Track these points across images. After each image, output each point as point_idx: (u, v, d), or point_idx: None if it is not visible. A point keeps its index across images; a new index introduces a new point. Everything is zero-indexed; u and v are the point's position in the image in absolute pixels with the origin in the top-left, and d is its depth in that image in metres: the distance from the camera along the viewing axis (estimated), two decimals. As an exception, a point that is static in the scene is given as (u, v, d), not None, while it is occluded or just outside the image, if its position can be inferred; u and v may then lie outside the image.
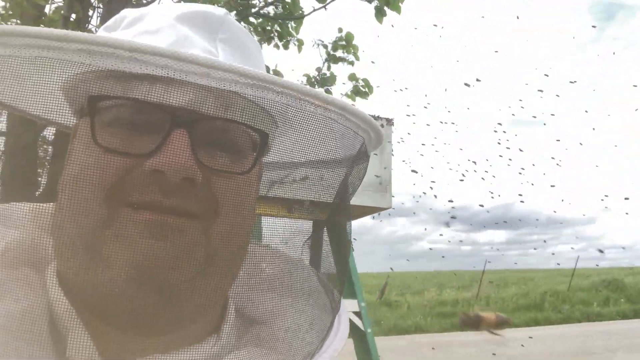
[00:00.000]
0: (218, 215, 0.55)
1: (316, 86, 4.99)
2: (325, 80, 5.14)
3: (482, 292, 20.07)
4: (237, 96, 0.53)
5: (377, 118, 3.35)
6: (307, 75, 5.28)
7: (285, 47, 5.43)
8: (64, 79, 0.51)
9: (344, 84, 4.97)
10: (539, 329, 15.28)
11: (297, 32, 5.37)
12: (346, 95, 4.89)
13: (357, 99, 5.06)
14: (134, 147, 0.52)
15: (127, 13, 0.63)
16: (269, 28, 5.25)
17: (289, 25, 5.29)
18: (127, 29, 0.61)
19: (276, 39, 5.25)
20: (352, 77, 5.05)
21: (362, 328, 3.01)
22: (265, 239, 0.69)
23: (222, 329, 0.61)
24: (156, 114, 0.52)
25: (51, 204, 0.56)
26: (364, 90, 4.95)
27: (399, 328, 15.76)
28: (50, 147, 0.66)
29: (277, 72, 4.86)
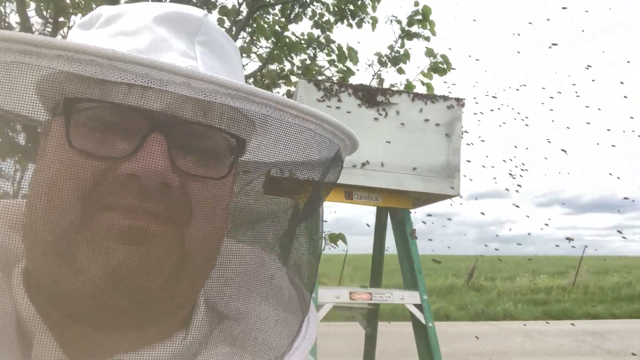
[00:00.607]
0: (193, 220, 0.55)
1: (388, 64, 4.87)
2: (397, 59, 4.98)
3: (579, 280, 18.94)
4: (216, 102, 0.53)
5: (446, 98, 3.19)
6: (379, 54, 5.14)
7: (359, 25, 5.32)
8: (38, 77, 0.50)
9: (418, 67, 4.84)
10: (642, 321, 14.19)
11: (375, 10, 5.25)
12: (422, 73, 4.75)
13: (435, 76, 4.89)
14: (110, 150, 0.52)
15: (104, 11, 0.63)
16: (344, 7, 5.15)
17: (366, 2, 5.17)
18: (102, 27, 0.61)
19: (349, 18, 5.16)
20: (430, 53, 4.85)
21: (424, 322, 2.91)
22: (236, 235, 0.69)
23: (192, 324, 0.62)
24: (133, 117, 0.52)
25: (21, 200, 0.55)
26: (442, 67, 4.77)
27: (487, 314, 15.26)
28: (18, 141, 0.63)
29: (351, 50, 4.80)
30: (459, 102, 3.10)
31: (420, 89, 4.59)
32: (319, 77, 4.75)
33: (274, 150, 0.61)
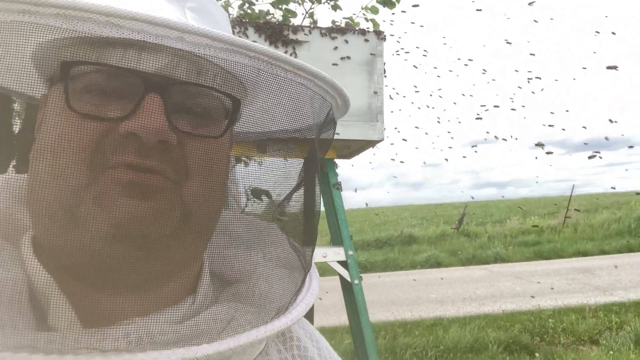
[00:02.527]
0: (192, 177, 0.57)
1: (322, 0, 4.44)
2: None
3: (571, 220, 18.90)
4: (210, 63, 0.55)
5: (363, 32, 2.81)
6: None
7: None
8: (35, 45, 0.51)
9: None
10: (631, 255, 14.18)
11: None
12: (365, 8, 4.32)
13: (383, 10, 4.45)
14: (109, 111, 0.54)
15: None
16: None
17: None
18: None
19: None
20: None
21: (349, 279, 2.66)
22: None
23: (198, 290, 0.64)
24: (129, 80, 0.54)
25: (23, 175, 0.58)
26: None
27: (478, 258, 15.28)
28: (17, 118, 0.65)
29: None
30: (379, 35, 2.74)
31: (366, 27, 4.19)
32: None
33: (268, 107, 0.63)
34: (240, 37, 2.20)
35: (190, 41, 0.50)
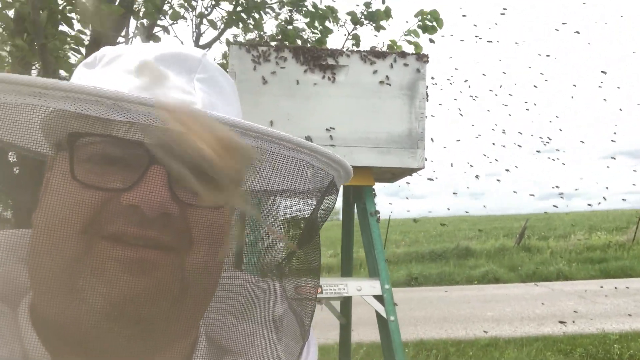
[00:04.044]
0: (193, 248, 0.57)
1: (364, 22, 4.33)
2: (373, 15, 4.41)
3: (640, 235, 17.82)
4: None
5: (404, 55, 2.70)
6: (352, 13, 4.44)
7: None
8: (43, 116, 0.52)
9: (407, 22, 4.24)
10: None
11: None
12: (407, 32, 4.18)
13: (423, 35, 4.32)
14: (112, 182, 0.54)
15: (107, 51, 0.66)
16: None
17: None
18: (106, 66, 0.64)
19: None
20: (419, 13, 4.20)
21: (384, 315, 2.53)
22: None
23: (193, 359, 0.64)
24: (134, 151, 0.54)
25: (27, 230, 0.59)
26: (431, 24, 4.19)
27: (539, 275, 14.66)
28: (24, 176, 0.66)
29: (330, 9, 4.30)
30: (421, 58, 2.62)
31: (409, 51, 4.08)
32: (253, 38, 4.30)
33: (271, 181, 0.63)
34: (277, 62, 2.13)
35: None
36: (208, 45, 4.36)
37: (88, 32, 3.56)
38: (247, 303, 0.69)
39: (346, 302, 3.46)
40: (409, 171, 2.76)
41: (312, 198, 0.68)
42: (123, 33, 3.93)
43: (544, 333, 8.53)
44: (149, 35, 4.08)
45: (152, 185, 0.53)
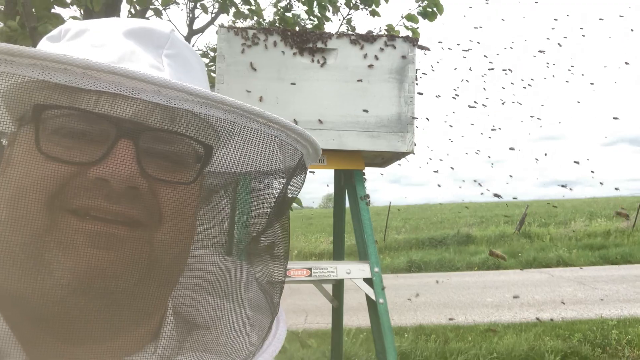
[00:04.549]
0: (161, 224, 0.57)
1: (360, 6, 4.29)
2: None
3: (641, 222, 17.81)
4: (183, 110, 0.55)
5: (393, 38, 2.67)
6: None
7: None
8: (6, 86, 0.50)
9: (409, 9, 4.19)
10: None
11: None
12: (406, 17, 4.14)
13: (422, 21, 4.28)
14: (79, 155, 0.53)
15: (72, 25, 0.65)
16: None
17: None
18: (72, 40, 0.63)
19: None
20: None
21: (374, 298, 2.54)
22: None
23: (161, 336, 0.64)
24: (102, 124, 0.54)
25: None
26: (431, 10, 4.15)
27: (539, 261, 14.69)
28: None
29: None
30: (411, 42, 2.60)
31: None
32: (240, 24, 4.26)
33: (241, 157, 0.63)
34: (266, 45, 2.13)
35: (167, 95, 0.51)
36: (201, 30, 4.35)
37: (80, 15, 3.55)
38: (215, 279, 0.69)
39: (338, 285, 3.48)
40: (399, 155, 2.75)
41: (281, 175, 0.67)
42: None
43: (543, 319, 8.56)
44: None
45: (121, 158, 0.53)
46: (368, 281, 2.54)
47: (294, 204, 3.90)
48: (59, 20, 3.44)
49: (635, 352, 7.08)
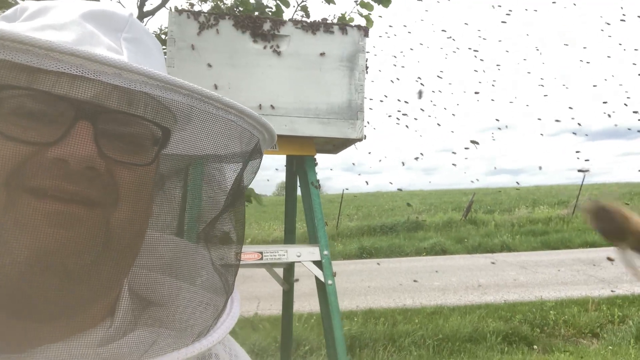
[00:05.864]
0: (118, 204, 0.58)
1: None
2: None
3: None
4: (142, 93, 0.56)
5: (344, 27, 2.72)
6: None
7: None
8: None
9: None
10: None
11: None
12: (360, 3, 4.19)
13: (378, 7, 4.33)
14: (37, 135, 0.54)
15: (29, 5, 0.65)
16: None
17: None
18: (28, 20, 0.63)
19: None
20: None
21: (322, 279, 2.63)
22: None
23: (117, 312, 0.65)
24: (61, 105, 0.54)
25: None
26: None
27: (484, 247, 15.24)
28: None
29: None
30: (361, 30, 2.67)
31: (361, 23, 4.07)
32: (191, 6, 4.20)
33: (198, 140, 0.65)
34: (217, 30, 2.12)
35: (127, 78, 0.52)
36: (152, 12, 4.25)
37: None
38: (171, 260, 0.71)
39: (289, 268, 3.54)
40: (349, 142, 2.82)
41: (238, 159, 0.69)
42: None
43: (487, 301, 8.92)
44: None
45: (79, 139, 0.53)
46: (318, 264, 2.61)
47: (255, 201, 3.92)
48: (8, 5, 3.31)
49: (570, 331, 7.49)
